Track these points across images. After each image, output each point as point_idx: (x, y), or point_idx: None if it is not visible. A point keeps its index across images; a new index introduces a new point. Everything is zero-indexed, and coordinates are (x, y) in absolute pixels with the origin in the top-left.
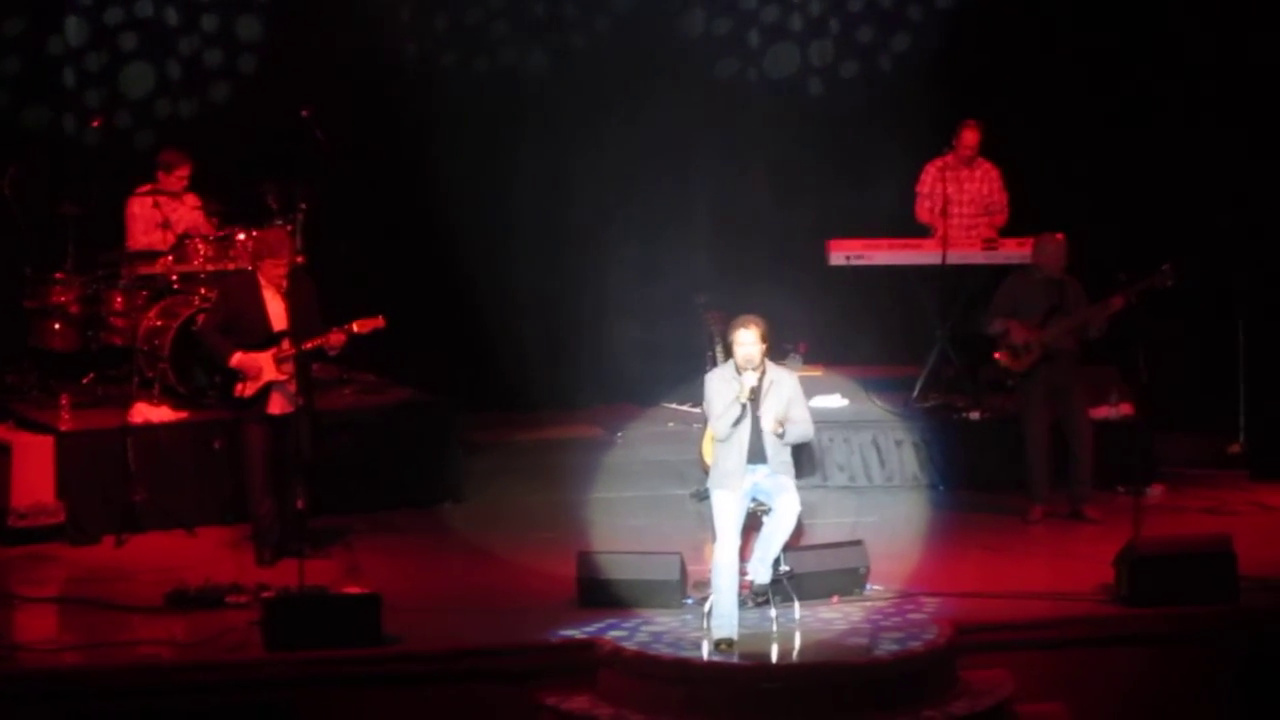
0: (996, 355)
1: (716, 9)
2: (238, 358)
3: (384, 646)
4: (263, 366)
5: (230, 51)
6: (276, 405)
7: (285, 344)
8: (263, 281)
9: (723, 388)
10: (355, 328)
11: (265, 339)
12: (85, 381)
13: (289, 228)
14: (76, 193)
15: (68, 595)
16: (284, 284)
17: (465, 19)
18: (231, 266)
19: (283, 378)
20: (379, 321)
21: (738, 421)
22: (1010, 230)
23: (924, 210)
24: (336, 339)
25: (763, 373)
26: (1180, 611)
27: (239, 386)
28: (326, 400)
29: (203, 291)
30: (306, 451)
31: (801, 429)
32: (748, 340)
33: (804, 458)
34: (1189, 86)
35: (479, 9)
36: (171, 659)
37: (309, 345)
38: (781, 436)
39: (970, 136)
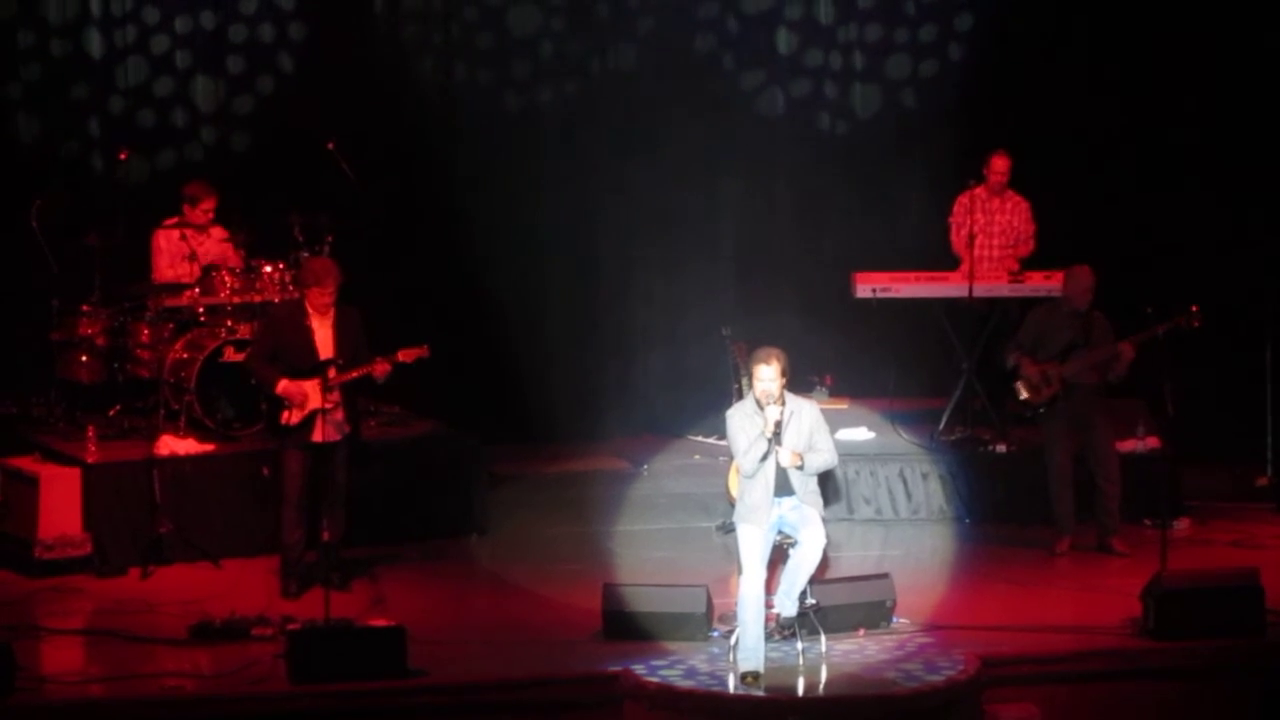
0: (1016, 386)
1: (743, 46)
2: (283, 385)
3: (409, 679)
4: (308, 394)
5: (257, 83)
6: (321, 433)
7: (331, 372)
8: (309, 309)
9: (746, 424)
10: (400, 357)
11: (311, 367)
12: (111, 414)
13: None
14: (103, 225)
15: (93, 627)
16: (331, 312)
17: (494, 53)
18: (258, 299)
19: (328, 406)
20: (423, 350)
21: (765, 457)
22: (1039, 263)
23: (959, 240)
24: (382, 368)
25: (782, 404)
26: (1207, 645)
27: (285, 414)
28: None
29: (229, 323)
30: (342, 481)
31: (824, 458)
32: (767, 376)
33: (828, 486)
34: (1222, 118)
35: (508, 43)
36: (196, 691)
37: (355, 374)
38: (801, 469)
39: (1000, 164)
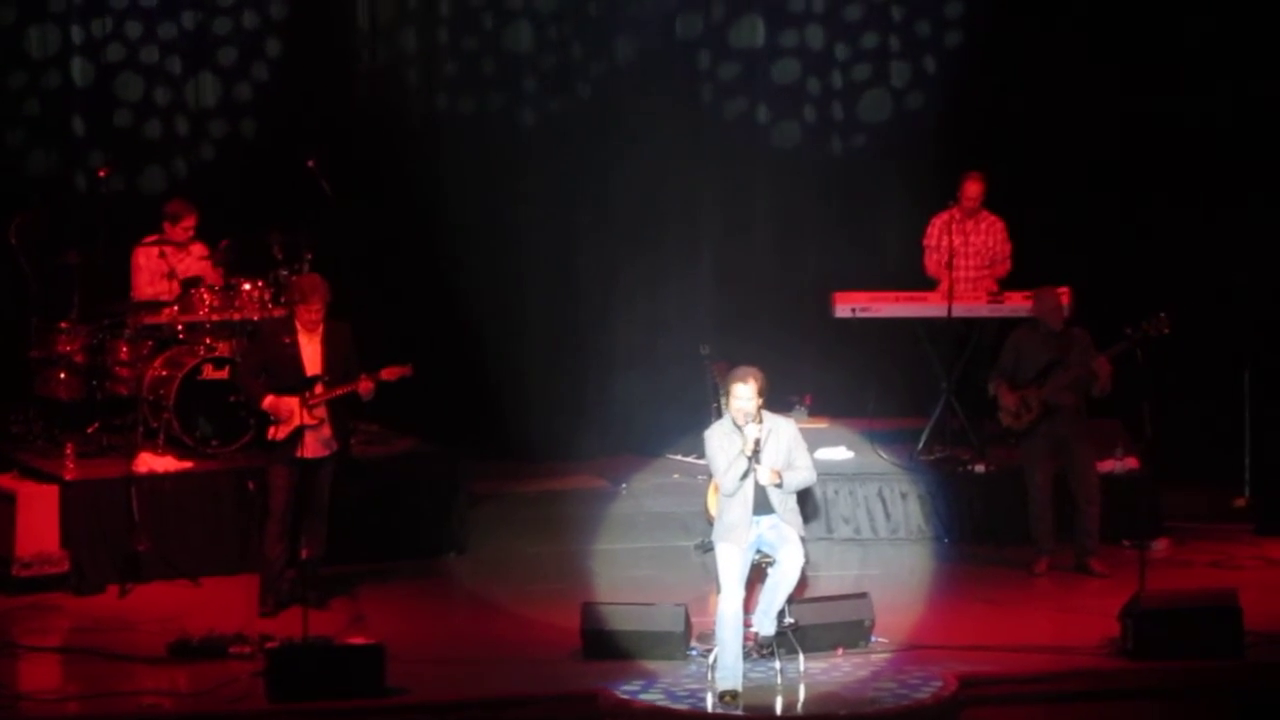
0: (998, 415)
1: (725, 69)
2: (268, 400)
3: (388, 697)
4: (294, 410)
5: (236, 102)
6: (308, 449)
7: (317, 388)
8: (298, 326)
9: (725, 443)
10: (384, 375)
11: (297, 383)
12: (90, 431)
13: (293, 277)
14: (82, 243)
15: (71, 645)
16: (320, 329)
17: (473, 70)
18: (237, 317)
19: (313, 422)
20: (406, 369)
21: (744, 475)
22: (1019, 283)
23: (932, 263)
24: (366, 386)
25: (759, 422)
26: (1185, 665)
27: (271, 430)
28: None
29: (208, 341)
30: (325, 497)
31: (803, 475)
32: (744, 395)
33: (806, 505)
34: (1201, 140)
35: (488, 60)
36: (174, 709)
37: (339, 391)
38: (780, 487)
39: (973, 188)
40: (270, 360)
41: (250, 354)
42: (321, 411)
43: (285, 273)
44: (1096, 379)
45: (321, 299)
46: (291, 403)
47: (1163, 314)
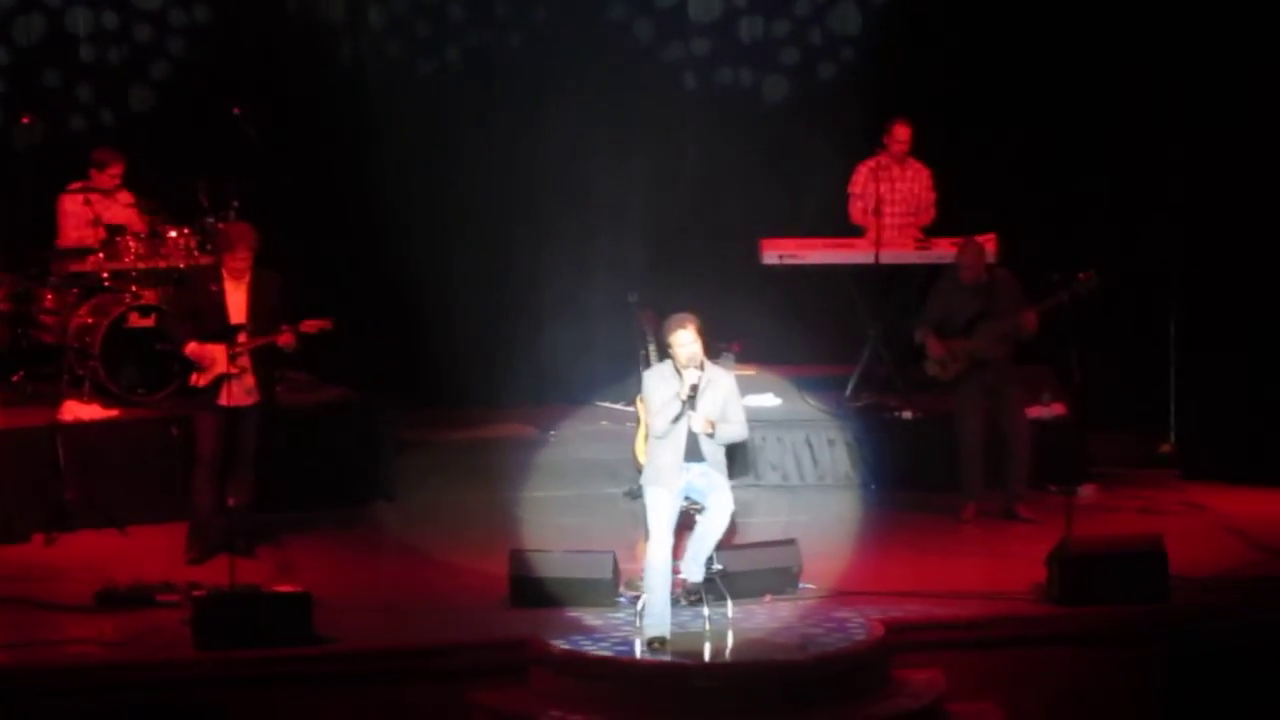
0: (924, 364)
1: (653, 14)
2: (191, 347)
3: (315, 646)
4: (216, 358)
5: (162, 47)
6: (229, 397)
7: (240, 337)
8: (225, 275)
9: (661, 385)
10: (304, 327)
11: (220, 331)
12: (15, 379)
13: (218, 224)
14: (5, 190)
15: None
16: (246, 277)
17: (403, 13)
18: (163, 265)
19: (235, 371)
20: (327, 323)
21: (677, 418)
22: (947, 229)
23: (856, 211)
24: (286, 338)
25: (702, 369)
26: (1112, 611)
27: (194, 376)
28: None
29: (134, 289)
30: (251, 446)
31: (736, 429)
32: (687, 340)
33: (737, 457)
34: (1127, 86)
35: (417, 6)
36: (101, 658)
37: (260, 341)
38: (712, 437)
39: (902, 132)
40: (197, 308)
41: (177, 300)
42: (245, 360)
43: (212, 220)
44: (1023, 329)
45: (248, 247)
46: (215, 350)
47: (1092, 270)
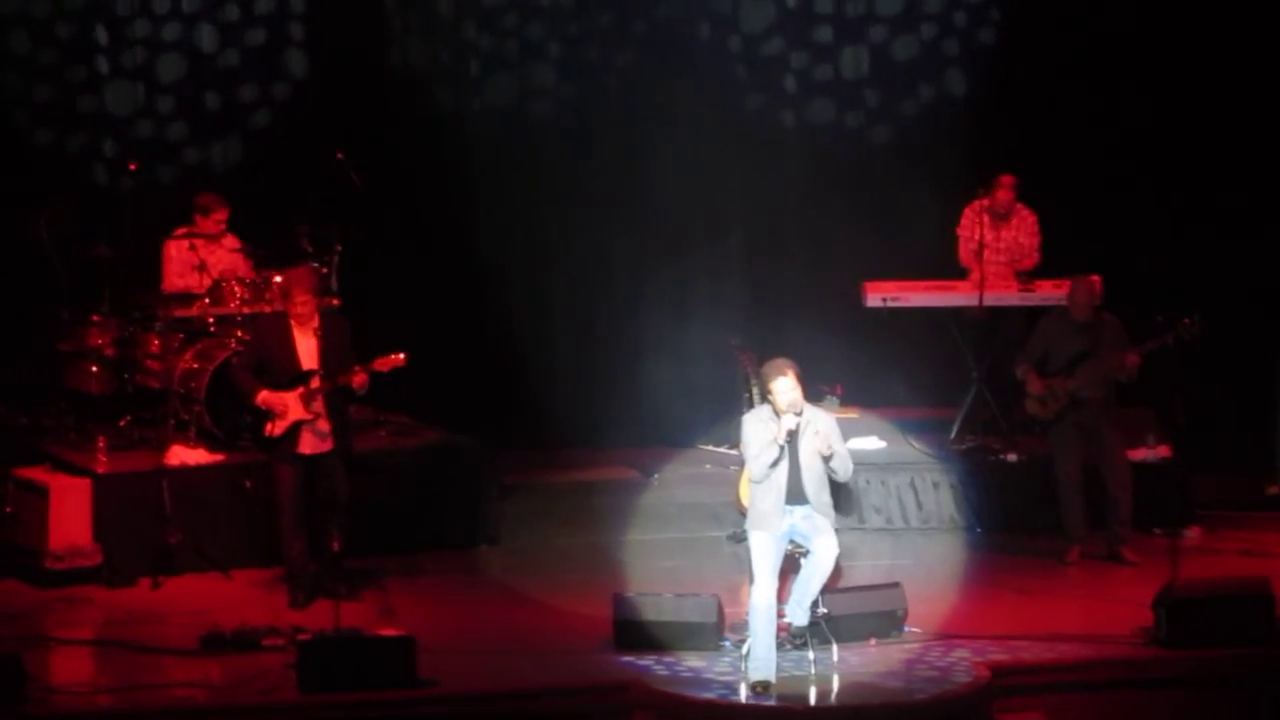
0: (1024, 402)
1: (751, 57)
2: (263, 396)
3: (419, 689)
4: (289, 405)
5: (267, 96)
6: (307, 445)
7: (313, 382)
8: (293, 321)
9: (760, 429)
10: (376, 366)
11: (294, 378)
12: (121, 424)
13: (322, 268)
14: (112, 236)
15: (103, 638)
16: (314, 322)
17: (506, 64)
18: (268, 309)
19: (310, 417)
20: (399, 359)
21: (775, 463)
22: (1050, 271)
23: (965, 252)
24: (359, 379)
25: (799, 413)
26: (1218, 654)
27: (268, 426)
28: (360, 442)
29: (239, 334)
30: (341, 492)
31: (844, 463)
32: (786, 387)
33: (842, 497)
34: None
35: (519, 54)
36: (206, 702)
37: (333, 385)
38: (829, 460)
39: (1005, 195)
40: (267, 356)
41: (246, 351)
42: (318, 406)
43: (315, 265)
44: (1125, 371)
45: (305, 290)
46: (287, 398)
47: (1187, 319)
